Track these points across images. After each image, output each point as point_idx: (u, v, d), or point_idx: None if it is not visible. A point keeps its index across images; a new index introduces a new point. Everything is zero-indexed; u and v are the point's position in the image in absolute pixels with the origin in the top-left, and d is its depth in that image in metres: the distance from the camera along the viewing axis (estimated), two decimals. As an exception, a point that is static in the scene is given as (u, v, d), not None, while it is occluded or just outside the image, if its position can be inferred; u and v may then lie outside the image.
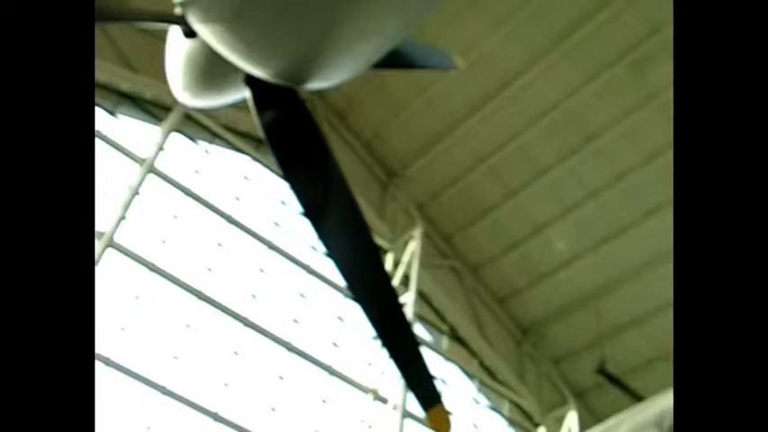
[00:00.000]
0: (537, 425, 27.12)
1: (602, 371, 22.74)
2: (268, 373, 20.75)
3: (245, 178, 22.88)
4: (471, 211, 25.65)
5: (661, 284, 23.39)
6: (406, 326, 4.14)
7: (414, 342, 4.29)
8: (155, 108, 21.07)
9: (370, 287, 3.96)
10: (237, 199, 22.20)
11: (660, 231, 22.77)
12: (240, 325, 20.63)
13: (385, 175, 26.13)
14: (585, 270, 24.66)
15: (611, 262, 24.13)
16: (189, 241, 20.46)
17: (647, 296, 23.89)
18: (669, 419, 6.01)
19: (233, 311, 20.50)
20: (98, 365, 16.90)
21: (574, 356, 26.59)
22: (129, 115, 20.56)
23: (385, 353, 18.80)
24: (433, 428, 3.85)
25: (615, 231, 23.71)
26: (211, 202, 21.30)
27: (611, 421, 6.66)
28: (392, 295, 4.20)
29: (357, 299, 4.13)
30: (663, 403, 6.37)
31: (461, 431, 24.48)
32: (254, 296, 21.23)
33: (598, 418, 19.37)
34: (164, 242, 19.71)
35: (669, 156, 21.55)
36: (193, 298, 19.78)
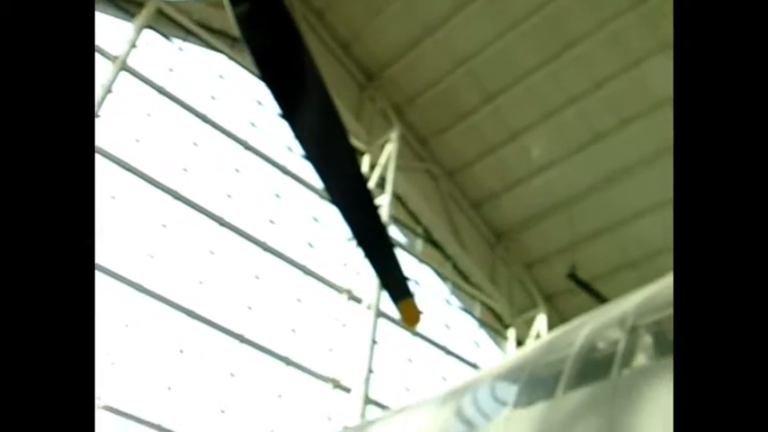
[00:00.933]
0: (507, 326, 27.80)
1: (572, 276, 23.21)
2: (243, 273, 20.97)
3: (221, 77, 22.51)
4: (449, 115, 25.52)
5: (634, 193, 23.68)
6: (381, 226, 4.17)
7: (388, 240, 4.33)
8: (127, 4, 20.47)
9: (346, 188, 3.95)
10: (213, 98, 21.90)
11: (636, 141, 22.87)
12: (215, 225, 20.71)
13: (363, 77, 25.81)
14: (561, 177, 24.82)
15: (587, 169, 24.26)
16: (163, 141, 20.26)
17: (620, 205, 24.19)
18: (631, 320, 6.19)
19: (208, 211, 20.53)
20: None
21: (545, 261, 27.05)
22: (101, 11, 19.95)
23: (360, 253, 19.05)
24: (403, 321, 3.93)
25: (592, 139, 23.75)
26: (186, 101, 21.01)
27: (576, 321, 6.84)
28: (368, 197, 4.21)
29: (333, 200, 4.13)
30: (626, 304, 6.54)
31: (433, 330, 25.06)
32: (229, 196, 21.23)
33: (566, 321, 19.83)
34: (138, 141, 19.50)
35: (650, 64, 21.45)
36: (169, 198, 19.75)
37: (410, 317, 4.01)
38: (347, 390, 21.34)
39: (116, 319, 18.05)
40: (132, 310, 18.34)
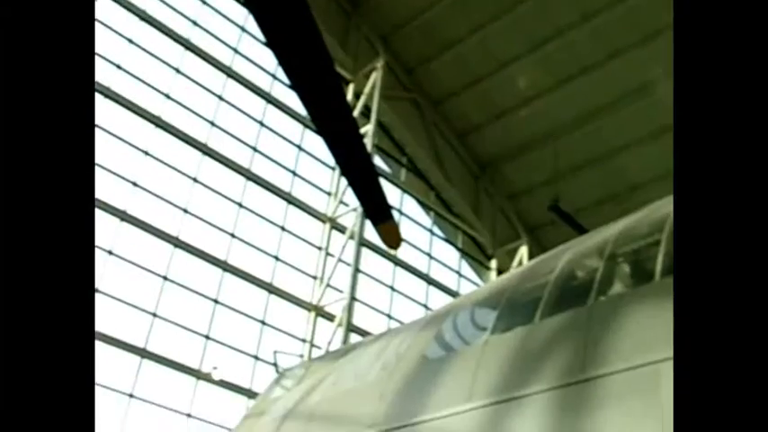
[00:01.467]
0: (489, 257, 28.12)
1: (555, 208, 23.35)
2: (227, 202, 20.99)
3: (203, 2, 22.10)
4: (435, 45, 25.25)
5: (619, 127, 23.70)
6: (365, 155, 4.21)
7: (371, 167, 4.37)
8: None
9: (331, 117, 3.98)
10: (195, 24, 21.55)
11: (623, 75, 22.77)
12: (198, 153, 20.63)
13: (349, 5, 25.42)
14: (546, 109, 24.77)
15: (572, 102, 24.20)
16: (145, 67, 19.98)
17: (604, 138, 24.23)
18: (609, 248, 6.31)
19: (192, 139, 20.43)
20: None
21: (529, 193, 27.19)
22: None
23: (344, 181, 19.02)
24: (384, 244, 4.00)
25: (578, 72, 23.63)
26: (168, 27, 20.67)
27: (556, 249, 6.96)
28: (352, 126, 4.24)
29: (317, 129, 4.16)
30: (606, 233, 6.66)
31: (415, 260, 25.33)
32: (212, 124, 21.10)
33: (547, 251, 20.04)
34: (119, 68, 19.24)
35: (639, -2, 21.24)
36: (151, 126, 19.61)
37: (391, 240, 4.08)
38: (330, 317, 21.66)
39: (99, 246, 18.11)
40: (115, 237, 18.40)
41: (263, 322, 20.99)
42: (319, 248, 23.11)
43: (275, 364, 9.39)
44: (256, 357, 20.44)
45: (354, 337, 20.50)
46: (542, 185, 25.68)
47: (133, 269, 18.76)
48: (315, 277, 22.64)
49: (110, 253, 18.37)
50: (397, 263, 24.77)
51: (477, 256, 28.16)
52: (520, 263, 26.88)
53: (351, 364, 6.53)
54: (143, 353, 18.48)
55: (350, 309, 21.26)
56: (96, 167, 17.79)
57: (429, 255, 26.22)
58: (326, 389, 6.38)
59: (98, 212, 17.99)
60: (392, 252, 24.31)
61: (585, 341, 5.21)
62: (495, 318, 5.46)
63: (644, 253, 6.17)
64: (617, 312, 5.44)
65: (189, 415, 18.97)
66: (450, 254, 27.31)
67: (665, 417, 4.35)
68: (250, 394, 19.10)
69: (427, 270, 25.86)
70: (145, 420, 18.27)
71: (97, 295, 17.79)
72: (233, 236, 20.98)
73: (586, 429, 4.57)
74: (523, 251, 27.43)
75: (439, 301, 24.75)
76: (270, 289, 21.38)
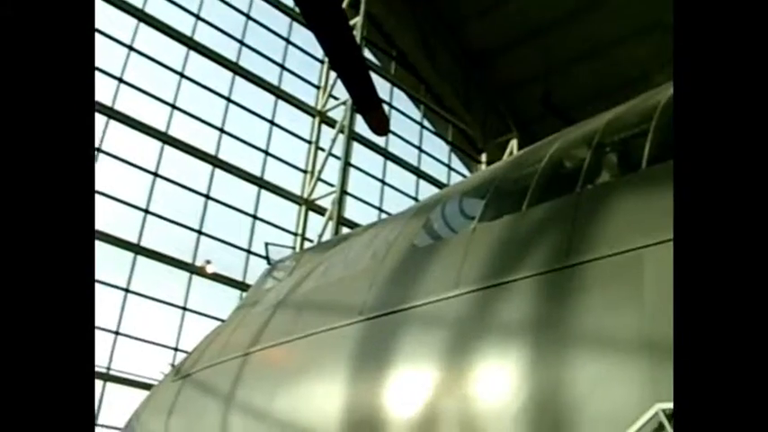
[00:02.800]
0: (479, 151, 28.11)
1: (545, 102, 23.19)
2: (216, 97, 20.78)
3: None
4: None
5: (611, 21, 23.23)
6: (354, 44, 4.14)
7: (360, 56, 4.30)
8: None
9: (320, 9, 3.89)
10: None
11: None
12: (185, 48, 20.29)
13: None
14: (538, 1, 24.22)
15: (565, -8, 23.69)
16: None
17: (596, 32, 23.77)
18: (597, 138, 6.31)
19: (178, 33, 20.04)
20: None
21: (520, 88, 26.91)
22: None
23: (333, 75, 18.67)
24: (372, 130, 3.99)
25: (571, -38, 23.04)
26: None
27: (545, 140, 6.96)
28: (341, 17, 4.15)
29: (306, 21, 4.08)
30: (595, 123, 6.64)
31: (405, 153, 25.32)
32: (198, 17, 20.64)
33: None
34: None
35: None
36: (135, 20, 19.20)
37: (379, 126, 4.07)
38: (321, 211, 21.80)
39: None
40: (105, 135, 18.27)
41: (254, 216, 21.12)
42: (309, 142, 23.03)
43: (267, 257, 9.51)
44: (248, 251, 20.67)
45: (345, 231, 20.69)
46: (534, 80, 25.37)
47: (123, 167, 18.73)
48: (305, 171, 22.65)
49: (100, 150, 18.29)
50: (387, 156, 24.75)
51: (467, 149, 28.12)
52: (511, 154, 26.87)
53: (341, 254, 6.62)
54: (137, 249, 18.67)
55: (340, 202, 21.37)
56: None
57: (419, 148, 26.18)
58: (317, 278, 6.50)
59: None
60: (382, 145, 24.26)
61: (572, 228, 5.27)
62: (482, 206, 5.51)
63: (632, 142, 6.17)
64: (603, 200, 5.49)
65: (184, 308, 19.33)
66: (440, 147, 27.27)
67: (647, 301, 4.46)
68: (243, 287, 19.41)
69: (417, 163, 25.87)
70: (141, 314, 18.65)
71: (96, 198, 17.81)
72: (222, 131, 20.85)
73: (571, 314, 4.69)
74: (514, 144, 27.37)
75: (429, 194, 24.87)
76: (261, 183, 21.41)
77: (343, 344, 4.95)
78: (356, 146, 22.91)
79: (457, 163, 27.80)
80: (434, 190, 25.23)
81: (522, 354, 4.06)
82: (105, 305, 18.02)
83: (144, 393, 9.76)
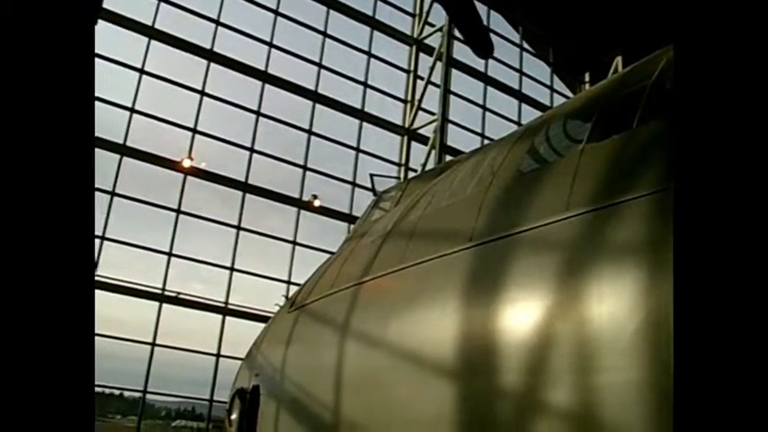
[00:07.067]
0: (583, 71, 27.21)
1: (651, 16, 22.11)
2: (311, 32, 20.86)
3: None
4: None
5: None
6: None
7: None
8: None
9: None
10: None
11: None
12: (280, -17, 20.40)
13: None
14: None
15: None
16: None
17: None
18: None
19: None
20: None
21: (624, 4, 25.76)
22: None
23: (427, 1, 18.28)
24: (475, 54, 3.91)
25: None
26: None
27: (654, 54, 6.67)
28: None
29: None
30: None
31: (506, 77, 24.82)
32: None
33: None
34: None
35: None
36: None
37: (483, 49, 3.98)
38: (423, 140, 21.74)
39: (191, 87, 18.46)
40: (207, 77, 18.70)
41: (357, 149, 21.28)
42: (407, 71, 22.87)
43: (372, 188, 9.58)
44: (353, 183, 20.91)
45: (448, 159, 20.64)
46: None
47: (226, 107, 19.15)
48: (405, 101, 22.57)
49: (203, 93, 18.72)
50: (488, 81, 24.32)
51: (569, 70, 27.29)
52: (615, 75, 25.91)
53: (446, 182, 6.60)
54: (245, 187, 19.16)
55: (442, 130, 21.24)
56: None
57: (520, 71, 25.59)
58: (424, 207, 6.51)
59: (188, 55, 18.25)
60: (481, 70, 23.84)
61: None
62: (590, 127, 5.36)
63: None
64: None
65: (294, 242, 19.82)
66: (541, 69, 26.58)
67: None
68: (349, 219, 19.70)
69: (518, 87, 25.34)
70: (254, 251, 19.26)
71: (202, 140, 18.34)
72: (321, 66, 20.95)
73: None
74: (618, 62, 26.34)
75: (532, 118, 24.37)
76: (362, 116, 21.49)
77: (454, 270, 4.97)
78: (455, 72, 22.60)
79: (559, 84, 27.06)
80: (537, 113, 24.69)
81: (636, 275, 3.98)
82: (221, 244, 18.72)
83: (260, 325, 10.12)
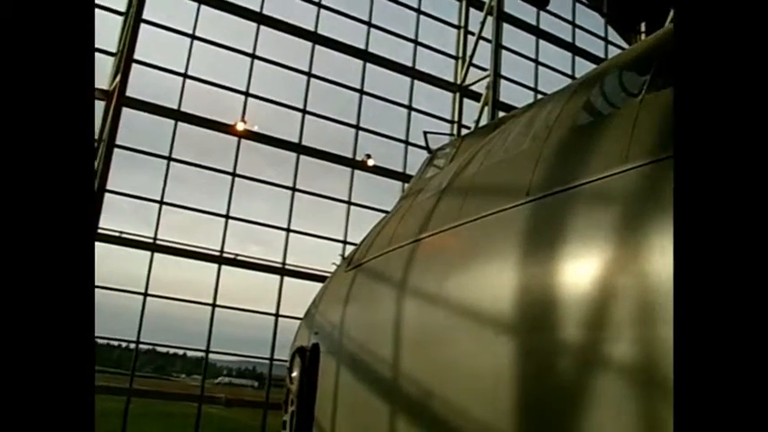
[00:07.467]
0: (638, 21, 26.55)
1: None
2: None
3: None
4: None
5: None
6: None
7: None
8: None
9: None
10: None
11: None
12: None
13: None
14: None
15: None
16: None
17: None
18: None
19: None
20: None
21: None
22: None
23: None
24: (531, 3, 3.85)
25: None
26: None
27: None
28: None
29: None
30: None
31: (559, 30, 24.35)
32: None
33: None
34: None
35: None
36: None
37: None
38: (476, 96, 21.54)
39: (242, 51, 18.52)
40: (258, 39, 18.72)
41: (409, 107, 21.20)
42: (458, 27, 22.60)
43: (426, 146, 9.55)
44: (406, 142, 20.87)
45: (501, 115, 20.44)
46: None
47: (278, 71, 19.22)
48: (456, 57, 22.35)
49: (253, 56, 18.80)
50: (540, 35, 23.90)
51: (624, 20, 26.61)
52: (672, 23, 25.19)
53: (500, 138, 6.54)
54: (299, 148, 19.28)
55: (494, 86, 21.00)
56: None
57: (572, 23, 25.08)
58: (479, 163, 6.47)
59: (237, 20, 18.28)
60: (533, 23, 23.43)
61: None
62: (648, 77, 5.25)
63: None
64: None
65: (348, 202, 19.93)
66: (595, 20, 25.99)
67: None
68: (403, 178, 19.71)
69: (571, 39, 24.85)
70: (309, 211, 19.44)
71: (254, 103, 18.47)
72: (370, 24, 20.83)
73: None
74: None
75: (586, 71, 23.92)
76: (413, 74, 21.36)
77: (512, 225, 4.96)
78: (506, 27, 22.25)
79: (614, 36, 26.44)
80: (591, 66, 24.22)
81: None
82: (276, 206, 18.95)
83: (317, 285, 10.25)
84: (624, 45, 25.97)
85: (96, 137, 17.15)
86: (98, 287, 15.93)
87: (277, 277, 18.74)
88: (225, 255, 18.13)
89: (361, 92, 20.42)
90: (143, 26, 17.25)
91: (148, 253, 17.19)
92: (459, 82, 21.98)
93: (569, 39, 24.75)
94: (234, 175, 18.35)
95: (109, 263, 16.62)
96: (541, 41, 23.92)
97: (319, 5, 19.98)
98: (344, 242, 19.20)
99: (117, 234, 16.96)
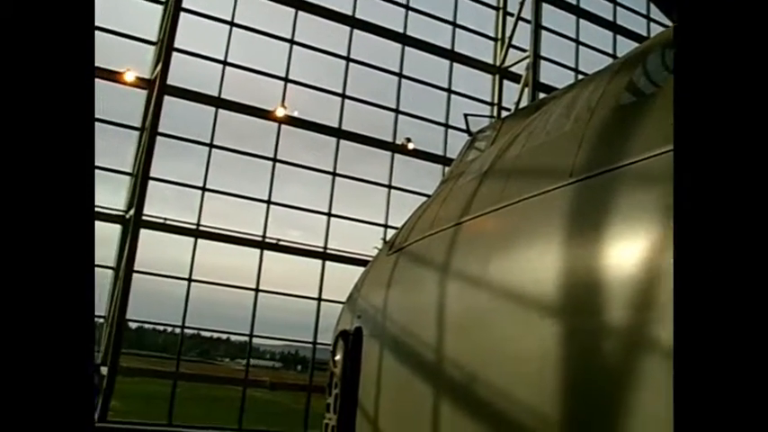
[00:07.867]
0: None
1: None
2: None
3: None
4: None
5: None
6: None
7: None
8: None
9: None
10: None
11: None
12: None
13: None
14: None
15: None
16: None
17: None
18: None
19: None
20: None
21: None
22: None
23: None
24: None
25: None
26: None
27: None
28: None
29: None
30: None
31: (599, 8, 23.98)
32: None
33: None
34: None
35: None
36: None
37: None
38: (516, 78, 21.36)
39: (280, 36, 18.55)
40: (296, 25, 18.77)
41: (449, 90, 21.11)
42: (497, 8, 22.41)
43: (467, 129, 9.51)
44: (446, 125, 20.80)
45: (542, 96, 20.24)
46: None
47: (317, 56, 19.25)
48: (495, 39, 22.18)
49: (293, 42, 18.85)
50: (580, 14, 23.58)
51: (667, -4, 26.12)
52: None
53: (542, 119, 6.49)
54: (339, 132, 19.33)
55: (534, 67, 20.80)
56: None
57: (614, 1, 24.69)
58: (520, 145, 6.44)
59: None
60: (573, 2, 23.14)
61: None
62: (693, 55, 5.16)
63: None
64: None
65: (389, 186, 19.95)
66: (636, -2, 25.58)
67: None
68: (443, 161, 19.66)
69: (612, 18, 24.47)
70: (350, 195, 19.50)
71: (293, 88, 18.55)
72: (408, 8, 20.75)
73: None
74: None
75: (628, 50, 23.56)
76: (452, 56, 21.25)
77: (556, 206, 4.92)
78: (546, 6, 21.99)
79: (656, 13, 25.96)
80: (633, 45, 23.83)
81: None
82: (316, 191, 19.03)
83: (359, 269, 10.29)
84: (667, 23, 25.47)
85: (139, 125, 17.41)
86: (145, 273, 16.28)
87: (318, 262, 18.86)
88: (267, 240, 18.29)
89: (400, 75, 20.38)
90: (183, 15, 17.40)
91: (192, 239, 17.42)
92: (498, 64, 21.81)
93: (610, 17, 24.37)
94: (275, 160, 18.48)
95: (154, 249, 16.91)
96: (582, 21, 23.59)
97: (357, -10, 19.99)
98: (385, 226, 19.24)
99: (161, 221, 17.21)
